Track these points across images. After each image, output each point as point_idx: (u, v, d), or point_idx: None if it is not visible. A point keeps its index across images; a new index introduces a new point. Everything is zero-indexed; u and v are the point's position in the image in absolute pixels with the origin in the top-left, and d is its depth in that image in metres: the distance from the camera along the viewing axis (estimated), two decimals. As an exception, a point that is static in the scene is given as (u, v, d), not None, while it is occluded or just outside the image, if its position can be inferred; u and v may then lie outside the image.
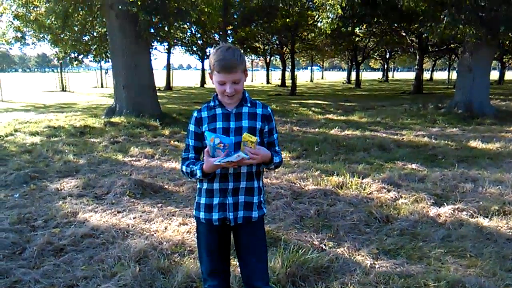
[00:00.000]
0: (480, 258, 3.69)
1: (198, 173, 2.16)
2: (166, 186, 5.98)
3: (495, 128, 11.43)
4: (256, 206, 2.28)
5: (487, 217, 4.66)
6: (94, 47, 17.44)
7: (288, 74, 36.45)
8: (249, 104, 2.25)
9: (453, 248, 3.92)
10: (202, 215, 2.28)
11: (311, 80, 55.25)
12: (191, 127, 2.27)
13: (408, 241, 4.11)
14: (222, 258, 2.38)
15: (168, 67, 34.42)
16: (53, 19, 14.40)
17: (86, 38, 17.43)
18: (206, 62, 42.40)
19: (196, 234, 2.42)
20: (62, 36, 16.04)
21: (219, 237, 2.32)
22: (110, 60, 14.12)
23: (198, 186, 2.32)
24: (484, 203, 4.97)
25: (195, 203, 2.35)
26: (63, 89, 30.73)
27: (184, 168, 2.26)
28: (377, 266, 3.58)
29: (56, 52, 18.19)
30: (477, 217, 4.67)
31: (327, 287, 3.22)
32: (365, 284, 3.25)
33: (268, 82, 47.65)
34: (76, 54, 17.67)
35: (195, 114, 2.26)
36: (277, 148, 2.34)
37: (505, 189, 5.59)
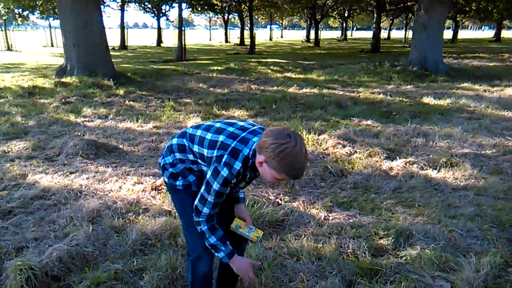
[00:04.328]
0: (427, 207, 3.86)
1: (221, 255, 2.03)
2: (121, 146, 5.84)
3: (447, 85, 11.78)
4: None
5: (435, 169, 4.86)
6: (40, 2, 16.42)
7: (247, 32, 35.76)
8: None
9: (403, 199, 4.08)
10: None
11: (270, 39, 54.65)
12: (233, 179, 1.91)
13: (361, 193, 4.24)
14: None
15: (122, 25, 32.92)
16: (-8, -29, 13.36)
17: (30, -8, 16.37)
18: (162, 20, 40.91)
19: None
20: (3, -10, 14.97)
21: None
22: (58, 17, 13.31)
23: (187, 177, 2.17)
24: (433, 156, 5.18)
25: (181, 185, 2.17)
26: (9, 49, 28.82)
27: (212, 240, 2.01)
28: (330, 218, 3.68)
29: (-2, 7, 17.01)
30: (427, 169, 4.86)
31: (281, 240, 3.28)
32: (319, 235, 3.33)
33: (226, 41, 46.62)
34: (20, 10, 16.59)
35: (237, 167, 1.88)
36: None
37: (453, 142, 5.85)
